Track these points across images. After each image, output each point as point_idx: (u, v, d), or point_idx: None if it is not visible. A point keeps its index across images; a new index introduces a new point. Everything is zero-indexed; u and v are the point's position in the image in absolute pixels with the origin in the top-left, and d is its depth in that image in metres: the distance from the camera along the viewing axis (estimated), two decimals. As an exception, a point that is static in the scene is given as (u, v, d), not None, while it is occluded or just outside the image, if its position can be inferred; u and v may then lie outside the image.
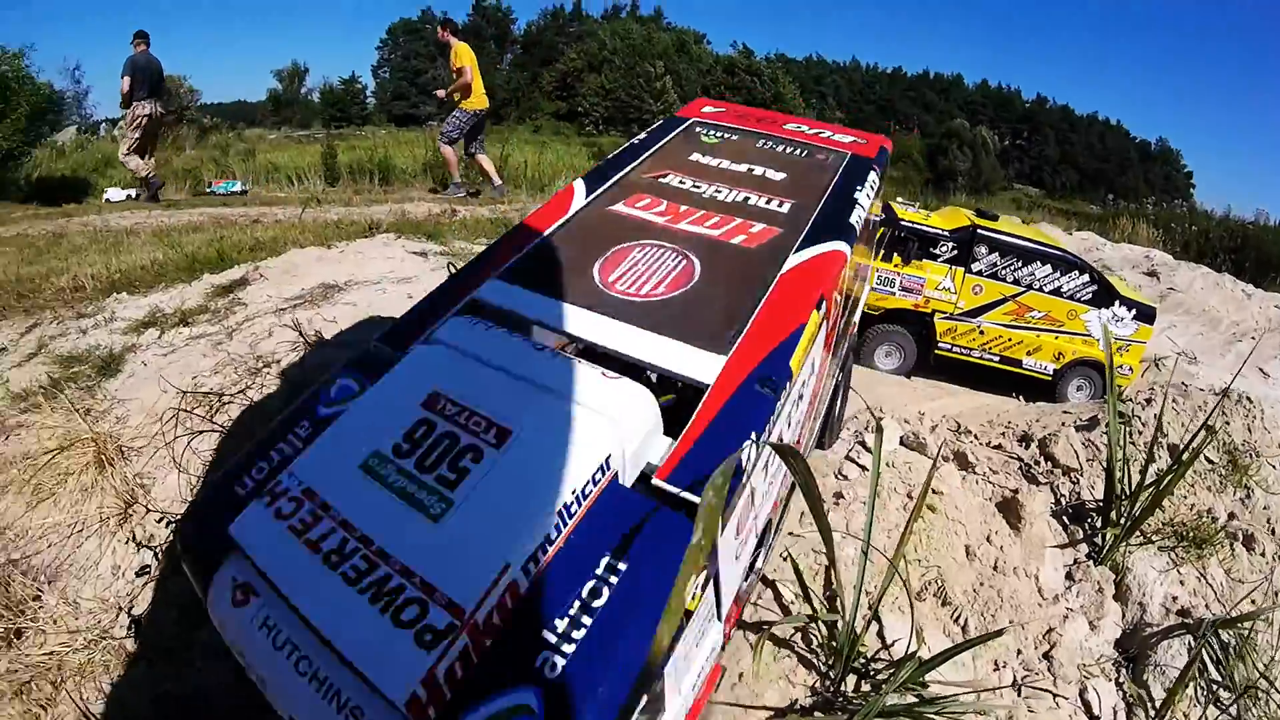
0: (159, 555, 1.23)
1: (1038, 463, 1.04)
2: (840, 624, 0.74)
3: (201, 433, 1.49)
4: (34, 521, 1.34)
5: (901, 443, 1.05)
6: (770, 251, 0.81)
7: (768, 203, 0.89)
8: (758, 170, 0.95)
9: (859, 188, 0.94)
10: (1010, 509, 0.95)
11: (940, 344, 1.53)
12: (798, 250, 0.80)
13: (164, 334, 2.27)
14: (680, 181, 0.91)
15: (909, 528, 0.76)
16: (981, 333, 1.47)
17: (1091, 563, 0.91)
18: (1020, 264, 1.45)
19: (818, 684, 0.75)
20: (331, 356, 1.81)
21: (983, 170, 21.31)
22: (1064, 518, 0.96)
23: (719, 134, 1.04)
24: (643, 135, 1.05)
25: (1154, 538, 0.93)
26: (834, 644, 0.75)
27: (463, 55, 5.77)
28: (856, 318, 1.15)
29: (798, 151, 1.00)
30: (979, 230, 1.49)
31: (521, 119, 40.51)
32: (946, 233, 1.50)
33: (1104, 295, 1.49)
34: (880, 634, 0.79)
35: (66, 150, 13.87)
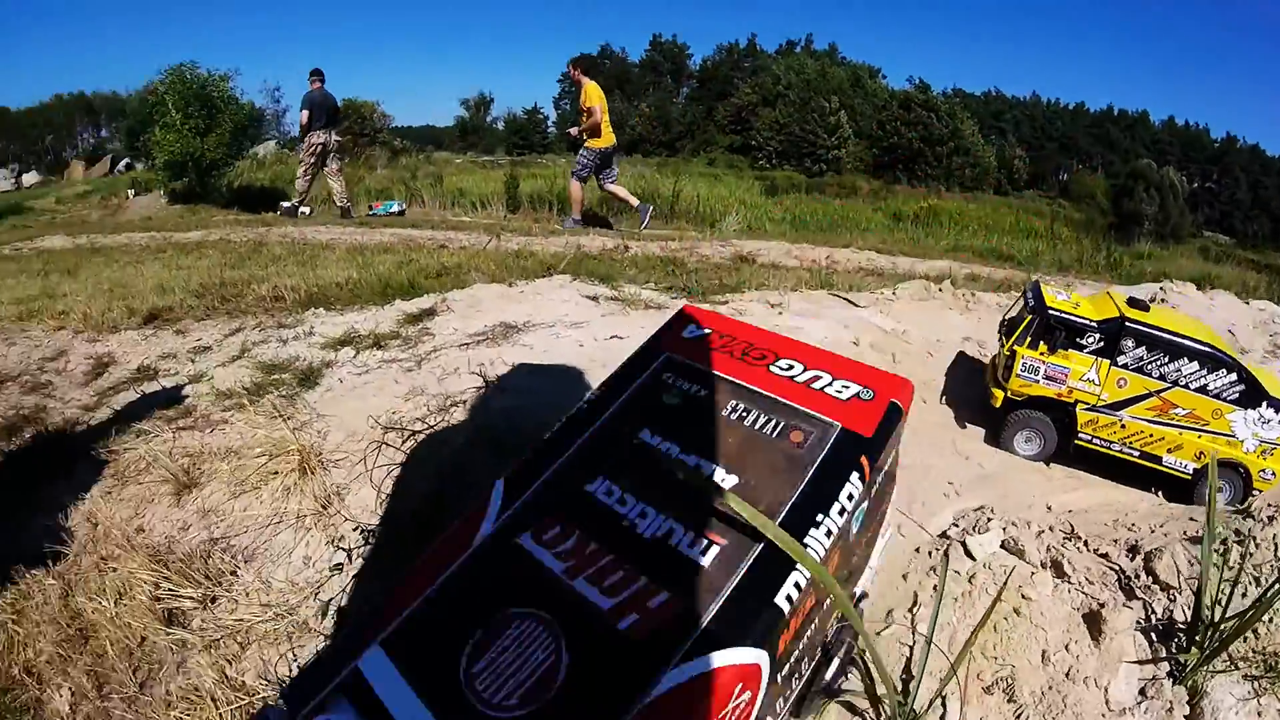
0: (350, 556, 1.85)
1: (1138, 576, 1.45)
2: (906, 703, 1.24)
3: (398, 465, 2.25)
4: (236, 509, 2.09)
5: (1002, 546, 1.54)
6: (648, 655, 0.94)
7: (690, 547, 1.04)
8: (707, 466, 1.13)
9: (825, 511, 1.07)
10: (1094, 621, 1.37)
11: (1081, 434, 2.24)
12: (679, 664, 0.91)
13: (359, 354, 3.29)
14: (608, 493, 1.10)
15: (979, 628, 1.27)
16: (1123, 426, 2.15)
17: (1169, 681, 1.29)
18: (1167, 359, 2.12)
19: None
20: (512, 405, 2.52)
21: (1170, 215, 28.33)
22: (1151, 635, 1.36)
23: (685, 386, 1.25)
24: (608, 379, 1.30)
25: (1240, 664, 1.31)
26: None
27: (592, 95, 8.61)
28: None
29: (770, 425, 1.17)
30: (1128, 323, 2.14)
31: (696, 152, 58.12)
32: (1095, 324, 2.17)
33: (1252, 395, 2.09)
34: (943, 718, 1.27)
35: (266, 162, 21.81)
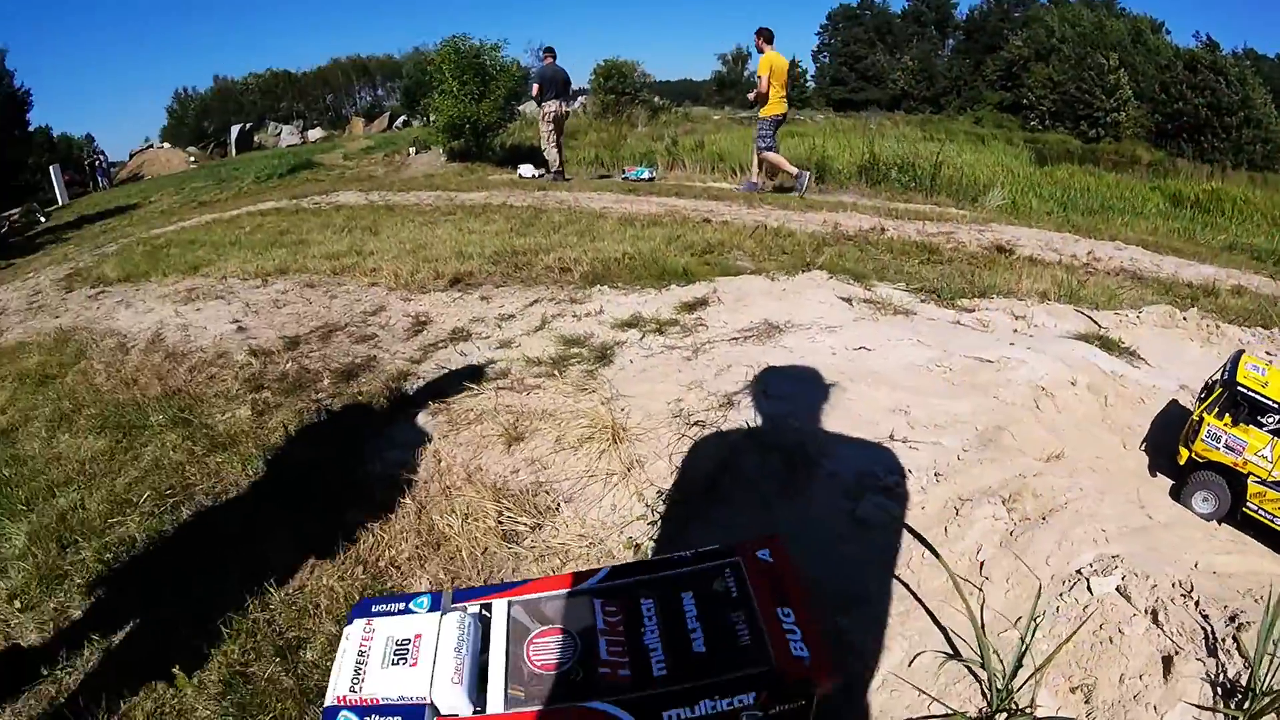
0: (649, 509, 2.50)
1: (1224, 640, 1.74)
2: (1002, 678, 1.71)
3: (685, 450, 2.84)
4: (557, 462, 2.79)
5: (1116, 589, 1.90)
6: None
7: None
8: (697, 636, 1.43)
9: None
10: (1169, 663, 1.72)
11: (1249, 504, 2.51)
12: None
13: (644, 337, 3.94)
14: (647, 609, 1.45)
15: (1068, 639, 1.75)
16: None
17: (1218, 721, 1.62)
18: None
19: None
20: (774, 411, 2.99)
21: None
22: (1216, 688, 1.68)
23: (730, 585, 1.56)
24: (704, 552, 1.59)
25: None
26: (994, 688, 1.71)
27: (762, 66, 10.46)
28: None
29: (741, 634, 1.45)
30: None
31: (962, 109, 59.00)
32: (1276, 406, 2.49)
33: None
34: (1033, 700, 1.70)
35: (535, 122, 24.21)
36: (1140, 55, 51.79)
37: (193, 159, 32.29)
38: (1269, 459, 2.48)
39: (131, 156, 36.03)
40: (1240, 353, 2.80)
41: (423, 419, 3.31)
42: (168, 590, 2.57)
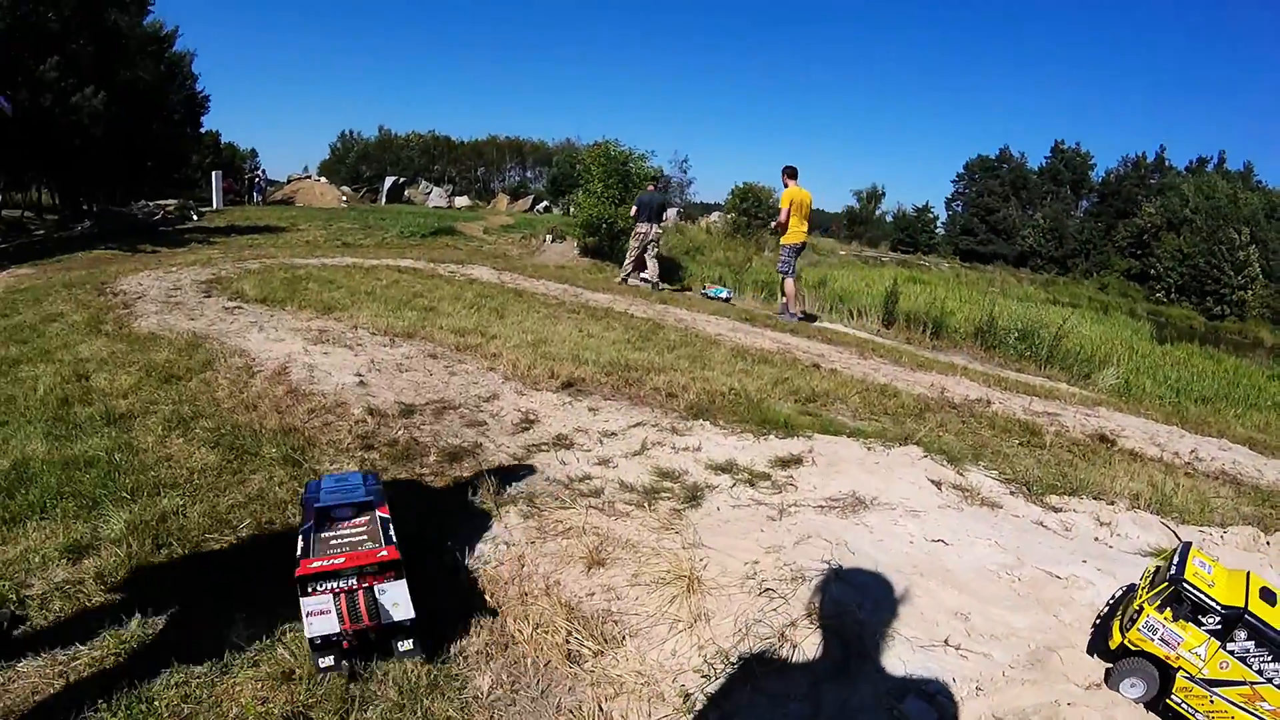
0: (708, 666, 2.61)
1: None
2: None
3: (752, 617, 3.01)
4: (630, 595, 2.93)
5: None
6: None
7: None
8: None
9: None
10: None
11: (1174, 697, 2.59)
12: None
13: (735, 486, 4.07)
14: None
15: None
16: (1211, 702, 2.53)
17: None
18: (1271, 660, 2.47)
19: None
20: (839, 597, 3.07)
21: None
22: None
23: None
24: None
25: None
26: None
27: (784, 198, 12.08)
28: None
29: None
30: (1247, 616, 2.47)
31: (1089, 273, 60.00)
32: (1219, 608, 2.52)
33: None
34: None
35: (667, 230, 25.23)
36: (1273, 231, 52.36)
37: (344, 198, 34.38)
38: (1202, 658, 2.54)
39: (289, 180, 38.58)
40: (1189, 545, 2.87)
41: (514, 519, 3.53)
42: (245, 619, 2.78)
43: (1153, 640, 2.61)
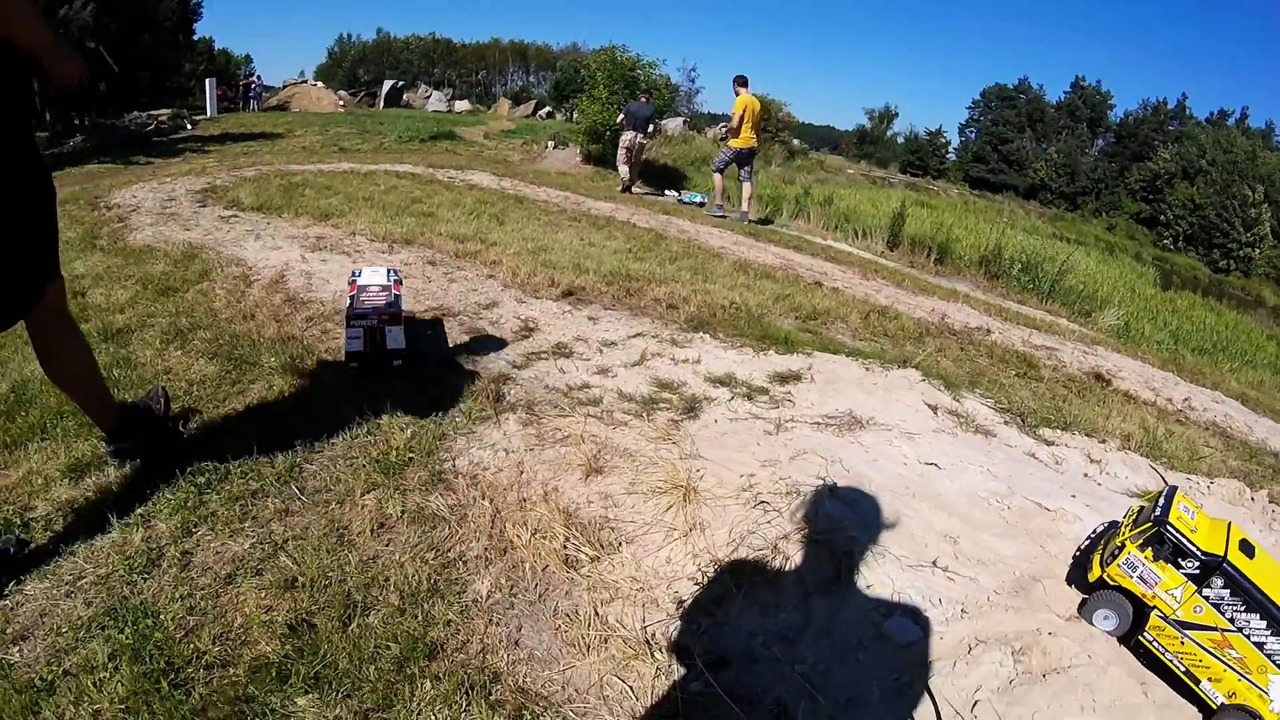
0: (700, 574, 2.69)
1: None
2: None
3: (746, 527, 3.05)
4: (628, 504, 3.00)
5: None
6: None
7: None
8: None
9: None
10: None
11: (1146, 634, 2.67)
12: None
13: (733, 399, 4.07)
14: None
15: None
16: (1182, 644, 2.61)
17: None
18: (1244, 609, 2.56)
19: None
20: (834, 513, 3.11)
21: None
22: None
23: None
24: None
25: None
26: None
27: (737, 105, 12.94)
28: None
29: None
30: (1225, 565, 2.56)
31: (1098, 212, 60.89)
32: (1200, 553, 2.60)
33: None
34: None
35: (673, 139, 24.84)
36: None
37: (341, 103, 33.75)
38: (1177, 599, 2.65)
39: (284, 86, 37.80)
40: (1174, 489, 2.94)
41: (513, 427, 3.55)
42: (249, 527, 2.82)
43: (1131, 577, 2.71)
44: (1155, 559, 2.70)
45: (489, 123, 26.54)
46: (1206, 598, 2.59)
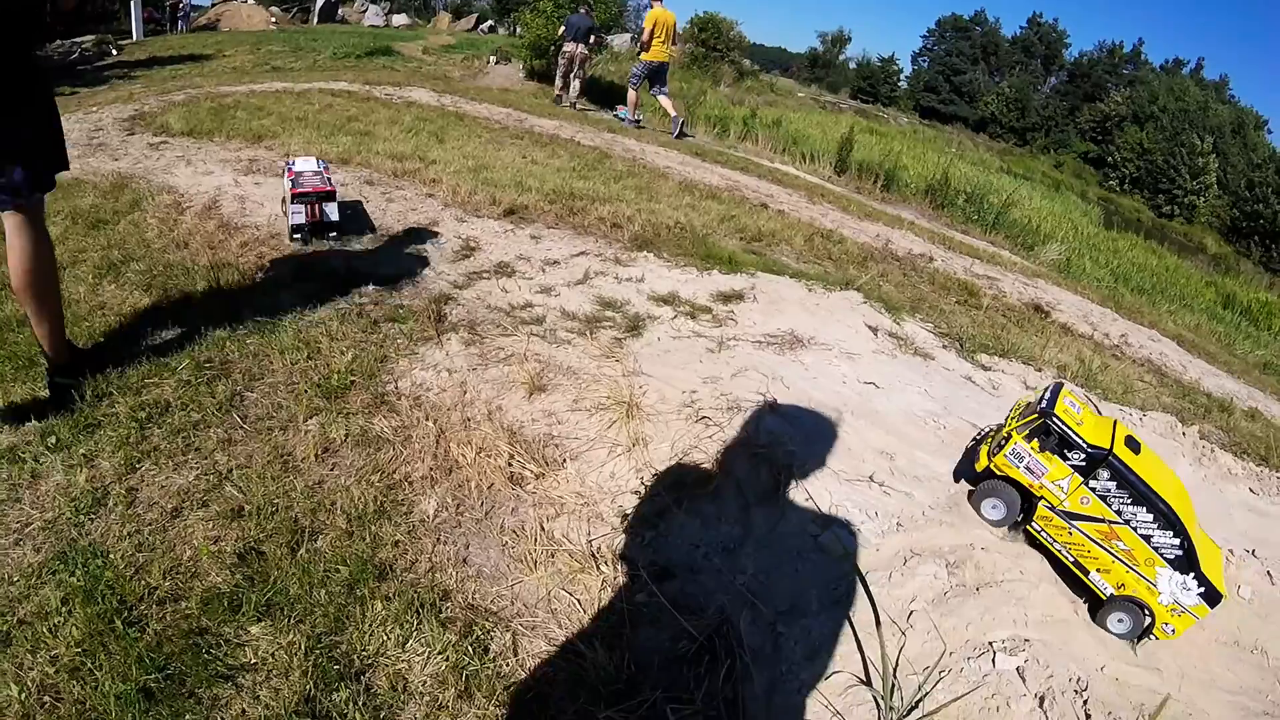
0: (643, 485, 2.75)
1: None
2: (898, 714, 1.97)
3: (688, 442, 3.07)
4: (571, 420, 3.02)
5: (1016, 669, 2.20)
6: None
7: None
8: None
9: None
10: None
11: (1034, 524, 2.79)
12: None
13: (676, 318, 4.06)
14: None
15: (959, 699, 1.91)
16: (1070, 534, 2.73)
17: None
18: (1129, 501, 2.65)
19: None
20: (774, 428, 3.16)
21: None
22: None
23: None
24: None
25: None
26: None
27: (648, 19, 13.19)
28: None
29: None
30: (1111, 458, 2.65)
31: (1046, 149, 61.88)
32: (1086, 446, 2.69)
33: (1185, 562, 2.60)
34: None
35: (619, 56, 24.28)
36: (1236, 147, 52.97)
37: (274, 20, 32.27)
38: (1064, 490, 2.75)
39: (213, 4, 36.01)
40: (1060, 385, 3.02)
41: (455, 347, 3.53)
42: (193, 460, 2.79)
43: (1018, 467, 2.81)
44: (1042, 450, 2.78)
45: (429, 38, 25.55)
46: (1093, 489, 2.68)
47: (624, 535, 2.59)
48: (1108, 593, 2.71)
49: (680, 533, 2.59)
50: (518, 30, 20.38)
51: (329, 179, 4.85)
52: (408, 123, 9.07)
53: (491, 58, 19.06)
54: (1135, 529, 2.66)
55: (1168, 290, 14.12)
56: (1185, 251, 28.57)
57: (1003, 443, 2.83)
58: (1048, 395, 2.92)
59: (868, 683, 2.09)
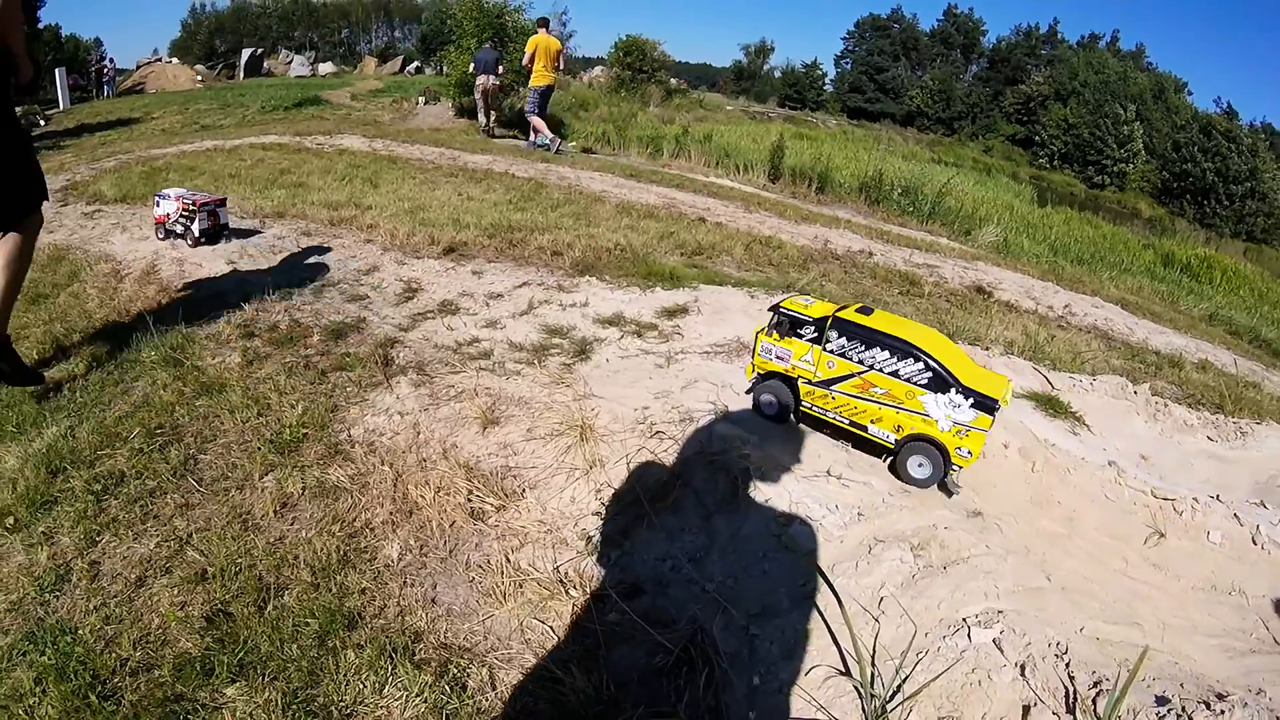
0: (603, 507, 2.75)
1: (1083, 700, 1.98)
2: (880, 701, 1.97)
3: (644, 457, 3.05)
4: (527, 450, 3.00)
5: (992, 640, 2.20)
6: None
7: None
8: None
9: None
10: (1027, 712, 2.00)
11: (803, 403, 3.08)
12: None
13: (623, 338, 4.10)
14: None
15: (938, 677, 1.91)
16: (833, 399, 2.96)
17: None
18: (864, 348, 2.87)
19: None
20: (726, 433, 3.14)
21: None
22: None
23: None
24: None
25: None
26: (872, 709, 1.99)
27: (529, 45, 13.63)
28: None
29: None
30: (834, 318, 2.92)
31: (975, 136, 63.17)
32: (809, 319, 2.98)
33: (939, 382, 2.77)
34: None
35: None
36: (1159, 112, 54.35)
37: (200, 78, 31.97)
38: (811, 363, 3.01)
39: (138, 67, 35.54)
40: (791, 293, 3.40)
41: (405, 389, 3.52)
42: (152, 527, 2.75)
43: (770, 359, 3.13)
44: (782, 337, 3.09)
45: (356, 83, 25.44)
46: (832, 351, 2.96)
47: (590, 558, 2.60)
48: (892, 440, 2.94)
49: (646, 548, 2.60)
50: (444, 69, 20.37)
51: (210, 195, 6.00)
52: (341, 170, 9.02)
53: (420, 99, 19.04)
54: (881, 369, 2.88)
55: (1107, 258, 14.33)
56: (1120, 219, 29.28)
57: (754, 347, 3.14)
58: (780, 297, 3.28)
59: (847, 673, 2.11)
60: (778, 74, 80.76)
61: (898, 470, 2.96)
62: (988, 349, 4.57)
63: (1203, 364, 5.38)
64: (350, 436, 3.22)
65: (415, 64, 38.47)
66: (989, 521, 2.82)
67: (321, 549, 2.59)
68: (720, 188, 11.19)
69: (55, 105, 24.01)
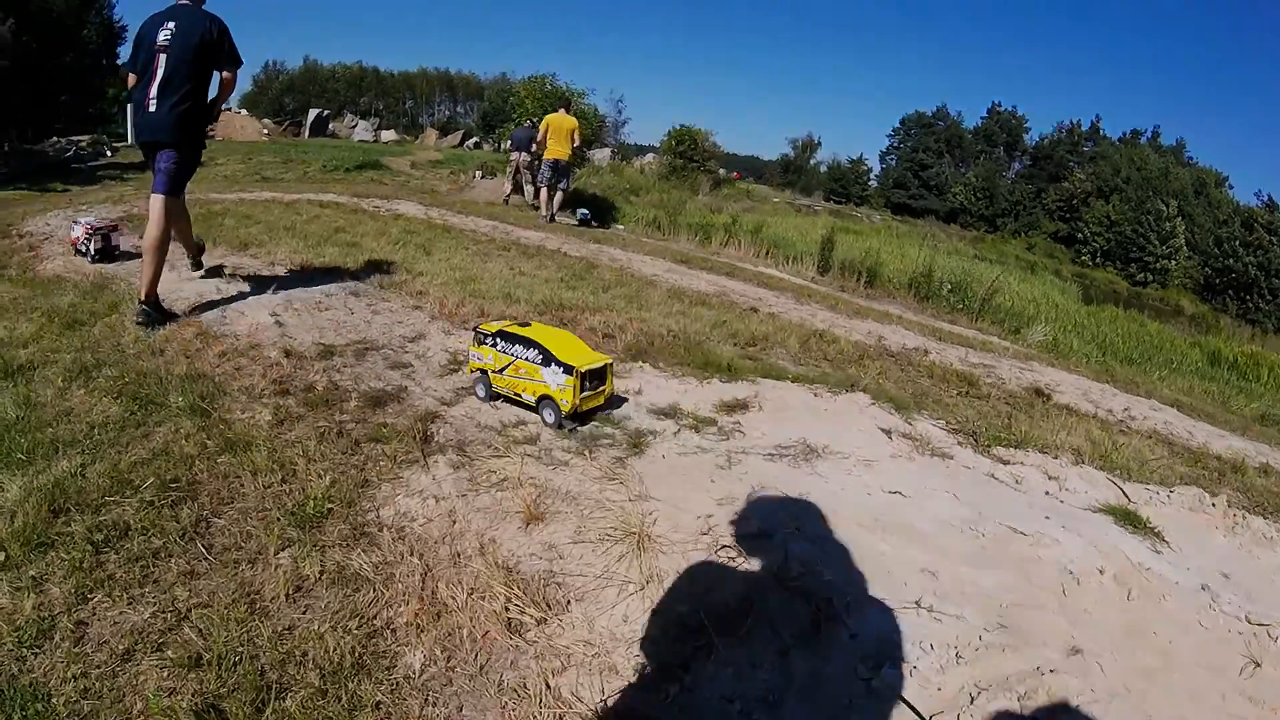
0: (664, 631, 2.38)
1: None
2: None
3: (709, 571, 2.77)
4: (574, 554, 2.68)
5: None
6: None
7: None
8: None
9: None
10: None
11: (495, 388, 4.04)
12: None
13: (680, 432, 3.82)
14: None
15: None
16: (506, 380, 3.96)
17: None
18: (513, 346, 3.93)
19: None
20: (803, 554, 2.85)
21: None
22: None
23: None
24: None
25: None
26: None
27: (543, 123, 14.28)
28: None
29: None
30: (501, 330, 4.00)
31: (1017, 233, 63.42)
32: (483, 333, 4.06)
33: (545, 360, 3.82)
34: None
35: (601, 170, 24.74)
36: (1200, 207, 54.40)
37: (266, 131, 32.82)
38: (490, 360, 4.06)
39: (208, 114, 36.60)
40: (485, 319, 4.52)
41: (443, 470, 3.23)
42: (150, 593, 2.45)
43: (475, 360, 4.16)
44: (478, 345, 4.10)
45: (416, 153, 25.96)
46: (502, 351, 3.99)
47: (645, 691, 2.21)
48: (533, 401, 3.92)
49: (710, 685, 2.22)
50: (502, 146, 20.83)
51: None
52: (395, 234, 8.94)
53: (477, 172, 19.30)
54: (520, 358, 3.93)
55: (1155, 356, 14.22)
56: (1164, 316, 29.31)
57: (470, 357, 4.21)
58: (491, 323, 4.21)
59: None
60: (823, 168, 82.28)
61: (541, 418, 3.93)
62: (1057, 457, 4.21)
63: (1264, 468, 5.01)
64: (379, 518, 2.90)
65: (475, 139, 39.39)
66: (1089, 660, 2.45)
67: (335, 648, 2.25)
68: (770, 278, 11.10)
69: (125, 140, 24.59)
